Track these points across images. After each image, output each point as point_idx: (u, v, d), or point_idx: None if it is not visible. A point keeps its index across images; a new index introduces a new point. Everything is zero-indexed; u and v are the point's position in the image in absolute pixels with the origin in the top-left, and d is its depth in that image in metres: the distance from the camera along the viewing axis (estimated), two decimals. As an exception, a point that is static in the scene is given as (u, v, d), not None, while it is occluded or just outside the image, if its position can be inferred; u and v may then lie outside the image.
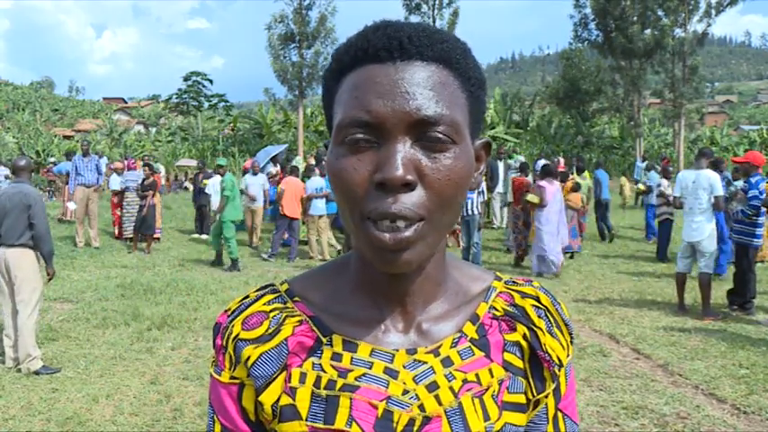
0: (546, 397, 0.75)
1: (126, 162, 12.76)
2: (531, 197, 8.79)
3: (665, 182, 10.32)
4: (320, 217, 10.50)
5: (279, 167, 14.25)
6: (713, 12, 25.35)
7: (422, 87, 0.62)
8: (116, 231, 12.46)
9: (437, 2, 26.23)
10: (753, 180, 6.68)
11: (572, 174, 12.13)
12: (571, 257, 10.43)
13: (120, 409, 4.29)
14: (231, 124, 37.21)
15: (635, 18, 25.18)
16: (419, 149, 0.62)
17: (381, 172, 0.60)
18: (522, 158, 13.55)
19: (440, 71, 0.64)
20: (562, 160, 12.71)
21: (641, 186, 12.92)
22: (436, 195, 0.62)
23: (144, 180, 11.52)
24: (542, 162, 12.89)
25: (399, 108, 0.61)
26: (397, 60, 0.63)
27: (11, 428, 4.01)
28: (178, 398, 4.46)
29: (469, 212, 8.84)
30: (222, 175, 10.27)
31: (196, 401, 4.38)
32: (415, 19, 25.33)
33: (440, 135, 0.62)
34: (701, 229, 6.62)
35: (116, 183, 12.38)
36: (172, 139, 38.61)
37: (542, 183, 9.03)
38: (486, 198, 9.52)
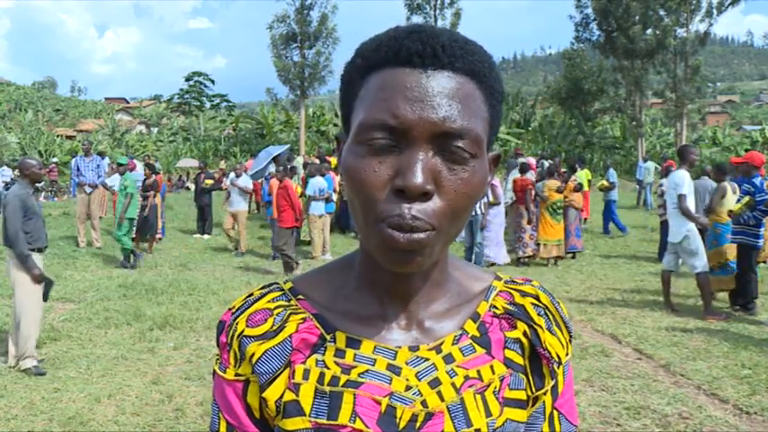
0: (544, 394, 0.76)
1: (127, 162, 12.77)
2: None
3: (665, 182, 10.30)
4: (321, 216, 10.49)
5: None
6: (715, 12, 25.32)
7: (450, 98, 0.63)
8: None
9: (439, 2, 26.23)
10: (756, 181, 6.67)
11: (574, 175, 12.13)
12: (573, 257, 10.44)
13: (122, 408, 4.29)
14: (233, 124, 37.27)
15: (636, 18, 25.16)
16: (440, 160, 0.63)
17: (402, 179, 0.61)
18: (532, 159, 13.56)
19: (467, 83, 0.65)
20: (533, 159, 12.66)
21: (605, 182, 13.02)
22: (450, 207, 0.63)
23: (145, 180, 11.53)
24: (547, 163, 12.90)
25: (427, 117, 0.61)
26: (428, 68, 0.63)
27: (13, 428, 4.01)
28: (180, 398, 4.46)
29: (472, 213, 8.84)
30: (122, 174, 10.19)
31: (198, 401, 4.39)
32: (416, 19, 25.38)
33: (462, 148, 0.62)
34: (677, 230, 6.67)
35: (119, 183, 12.39)
36: (174, 140, 38.67)
37: (494, 182, 9.60)
38: (489, 199, 9.55)
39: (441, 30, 0.67)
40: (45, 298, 5.17)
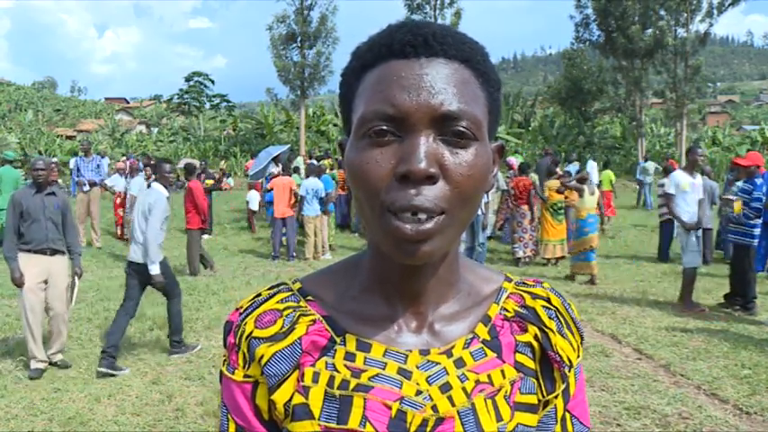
0: (555, 398, 0.76)
1: (128, 162, 12.78)
2: None
3: (667, 182, 10.31)
4: (315, 217, 10.46)
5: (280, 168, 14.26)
6: (715, 12, 25.31)
7: (445, 83, 0.63)
8: (118, 231, 12.47)
9: (439, 2, 26.23)
10: (757, 181, 6.71)
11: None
12: (573, 257, 10.43)
13: (122, 408, 4.30)
14: (233, 124, 37.25)
15: (636, 18, 25.15)
16: (441, 144, 0.63)
17: (405, 164, 0.61)
18: (513, 159, 13.61)
19: (462, 69, 0.65)
20: (514, 159, 12.60)
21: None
22: (457, 190, 0.62)
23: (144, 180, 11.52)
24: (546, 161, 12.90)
25: (424, 102, 0.62)
26: (421, 57, 0.64)
27: (13, 428, 4.02)
28: (180, 398, 4.46)
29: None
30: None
31: (198, 401, 4.39)
32: (416, 19, 25.36)
33: (462, 130, 0.63)
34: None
35: (120, 183, 12.39)
36: (174, 140, 38.63)
37: None
38: (490, 198, 9.54)
39: (430, 22, 0.68)
40: (70, 300, 5.16)
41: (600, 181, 14.65)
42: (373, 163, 0.63)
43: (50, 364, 5.11)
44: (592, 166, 15.73)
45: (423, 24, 0.66)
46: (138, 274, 5.22)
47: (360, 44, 0.70)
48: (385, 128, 0.63)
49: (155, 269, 5.17)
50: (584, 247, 8.52)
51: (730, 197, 7.04)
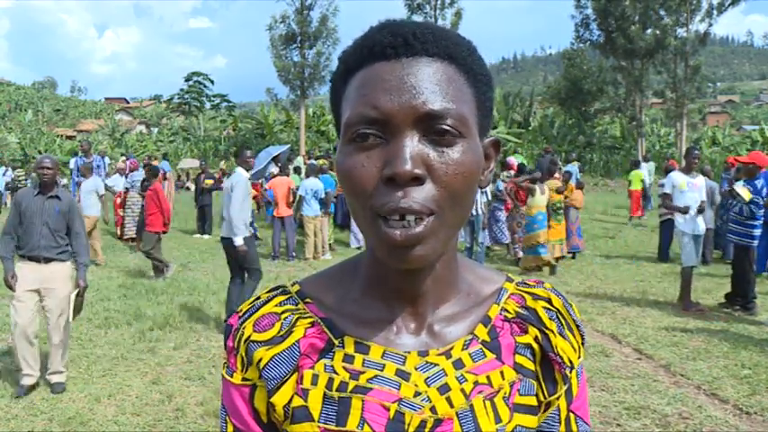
0: (557, 399, 0.75)
1: (128, 162, 12.78)
2: None
3: (666, 182, 10.30)
4: (314, 217, 10.45)
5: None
6: (715, 12, 25.32)
7: (428, 82, 0.63)
8: (118, 232, 12.47)
9: (439, 2, 26.23)
10: (757, 183, 6.72)
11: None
12: (573, 257, 10.43)
13: (122, 408, 4.30)
14: (233, 124, 37.31)
15: (636, 18, 25.17)
16: (427, 144, 0.62)
17: (390, 167, 0.60)
18: (513, 159, 13.62)
19: (446, 67, 0.65)
20: (514, 159, 12.55)
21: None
22: (445, 189, 0.62)
23: (144, 181, 11.52)
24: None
25: (406, 103, 0.62)
26: (402, 57, 0.64)
27: (13, 428, 4.02)
28: (180, 398, 4.46)
29: (474, 212, 8.85)
30: None
31: (198, 401, 4.39)
32: (417, 19, 25.37)
33: (447, 128, 0.62)
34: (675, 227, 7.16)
35: (119, 183, 12.39)
36: (174, 140, 38.64)
37: None
38: (489, 198, 9.52)
39: (411, 21, 0.68)
40: (75, 313, 4.70)
41: (630, 180, 15.10)
42: (360, 167, 0.63)
43: (49, 385, 4.67)
44: (642, 167, 16.09)
45: (403, 24, 0.66)
46: (227, 248, 6.07)
47: (345, 48, 0.70)
48: (369, 131, 0.62)
49: (238, 240, 5.89)
50: (533, 242, 8.98)
51: (734, 187, 7.06)
